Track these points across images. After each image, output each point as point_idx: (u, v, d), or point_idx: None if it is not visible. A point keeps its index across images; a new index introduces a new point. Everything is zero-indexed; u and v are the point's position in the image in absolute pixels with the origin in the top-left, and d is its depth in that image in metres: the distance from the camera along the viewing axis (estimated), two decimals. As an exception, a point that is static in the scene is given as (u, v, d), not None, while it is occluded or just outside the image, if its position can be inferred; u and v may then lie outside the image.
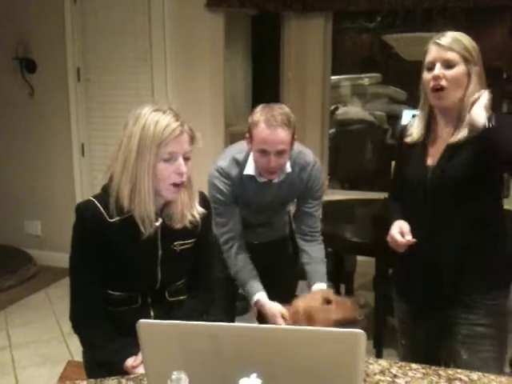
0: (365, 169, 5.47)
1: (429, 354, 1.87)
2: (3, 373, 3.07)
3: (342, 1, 3.94)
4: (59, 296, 3.85)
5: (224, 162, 2.16)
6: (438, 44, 1.69)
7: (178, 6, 3.94)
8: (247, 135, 2.07)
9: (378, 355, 3.10)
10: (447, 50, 1.67)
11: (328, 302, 1.91)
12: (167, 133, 1.51)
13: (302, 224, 2.30)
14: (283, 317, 2.02)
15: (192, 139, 1.59)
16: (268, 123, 1.97)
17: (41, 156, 4.50)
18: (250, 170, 2.14)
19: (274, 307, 2.07)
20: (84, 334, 1.67)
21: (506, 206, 2.32)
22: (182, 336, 1.03)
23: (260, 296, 2.13)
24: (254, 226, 2.34)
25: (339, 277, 3.53)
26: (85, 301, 1.64)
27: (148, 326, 1.04)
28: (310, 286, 2.22)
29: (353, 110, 5.55)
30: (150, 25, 4.04)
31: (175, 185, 1.56)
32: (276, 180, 2.14)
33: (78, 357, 1.81)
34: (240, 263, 2.17)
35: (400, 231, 1.76)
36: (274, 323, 1.99)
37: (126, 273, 1.63)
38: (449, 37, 1.69)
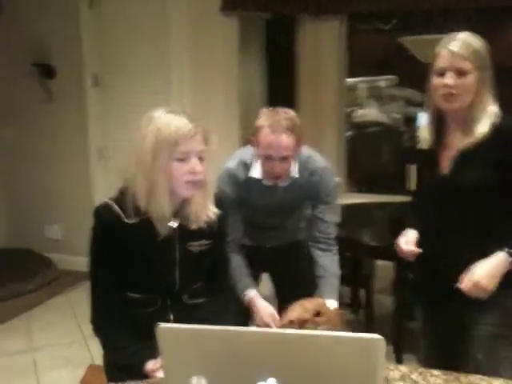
0: (382, 171, 5.44)
1: (448, 355, 1.86)
2: (25, 376, 3.11)
3: (356, 3, 3.93)
4: (80, 299, 3.88)
5: (232, 163, 2.18)
6: (451, 50, 1.65)
7: (193, 10, 3.98)
8: (253, 138, 2.07)
9: (398, 360, 3.08)
10: (460, 58, 1.64)
11: (318, 314, 1.93)
12: (181, 133, 1.53)
13: (314, 230, 2.29)
14: (273, 320, 2.02)
15: (206, 140, 1.60)
16: (272, 128, 1.96)
17: (59, 161, 4.56)
18: (256, 172, 2.14)
19: (267, 308, 2.07)
20: (104, 337, 1.68)
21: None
22: (201, 340, 1.04)
23: (252, 293, 2.13)
24: (267, 229, 2.34)
25: (358, 281, 3.52)
26: (105, 303, 1.66)
27: (167, 330, 1.05)
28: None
29: (369, 113, 5.52)
30: (166, 29, 4.07)
31: (189, 182, 1.58)
32: (281, 184, 2.13)
33: (99, 360, 1.83)
34: (233, 263, 2.14)
35: (406, 241, 1.79)
36: (263, 323, 2.00)
37: (144, 274, 1.64)
38: (461, 41, 1.65)
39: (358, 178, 5.27)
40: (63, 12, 4.28)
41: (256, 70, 4.49)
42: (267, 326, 2.03)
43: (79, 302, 3.86)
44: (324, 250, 2.25)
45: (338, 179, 3.38)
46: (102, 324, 1.68)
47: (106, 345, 1.70)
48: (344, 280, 3.30)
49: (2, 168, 4.77)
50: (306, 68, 4.33)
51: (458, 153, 1.72)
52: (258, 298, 2.13)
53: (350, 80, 5.11)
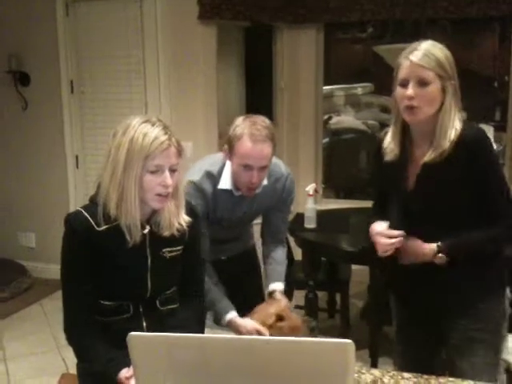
0: (359, 178, 5.50)
1: (424, 360, 1.86)
2: (-2, 386, 3.06)
3: (333, 12, 3.99)
4: (54, 308, 3.83)
5: (197, 175, 2.08)
6: (412, 61, 1.61)
7: (170, 18, 3.97)
8: (225, 147, 2.01)
9: (374, 364, 3.10)
10: (421, 68, 1.61)
11: (281, 318, 1.94)
12: (155, 146, 1.53)
13: (270, 234, 2.32)
14: (260, 333, 1.94)
15: (179, 152, 1.60)
16: (253, 138, 1.91)
17: (35, 168, 4.50)
18: (225, 183, 2.07)
19: (249, 325, 1.97)
20: (78, 345, 1.66)
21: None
22: (172, 348, 1.04)
23: (232, 316, 2.05)
24: (223, 242, 2.30)
25: (334, 286, 3.54)
26: (78, 311, 1.64)
27: (138, 338, 1.05)
28: (267, 285, 2.23)
29: (346, 120, 5.58)
30: (142, 37, 4.06)
31: (160, 195, 1.59)
32: (254, 194, 2.09)
33: (74, 369, 1.81)
34: (207, 284, 2.01)
35: (383, 233, 1.75)
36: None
37: (116, 281, 1.64)
38: (422, 51, 1.62)
39: (335, 184, 5.32)
40: (39, 19, 4.25)
41: (234, 78, 4.51)
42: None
43: (54, 310, 3.81)
44: (275, 246, 2.32)
45: (313, 185, 3.45)
46: (76, 332, 1.65)
47: (79, 353, 1.68)
48: (320, 285, 3.38)
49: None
50: (283, 76, 4.37)
51: (422, 167, 1.71)
52: (239, 319, 2.04)
53: (327, 87, 5.16)
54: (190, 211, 1.75)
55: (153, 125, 1.56)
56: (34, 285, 4.38)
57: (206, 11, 3.86)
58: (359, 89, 6.03)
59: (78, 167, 4.42)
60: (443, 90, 1.64)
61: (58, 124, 4.38)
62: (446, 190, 1.68)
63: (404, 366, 1.89)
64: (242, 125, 1.96)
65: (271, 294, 2.21)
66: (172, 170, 1.58)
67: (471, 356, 1.74)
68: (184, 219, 1.70)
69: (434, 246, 1.70)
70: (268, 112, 4.47)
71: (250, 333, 1.96)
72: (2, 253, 4.58)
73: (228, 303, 2.09)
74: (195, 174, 2.10)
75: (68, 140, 4.40)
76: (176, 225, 1.67)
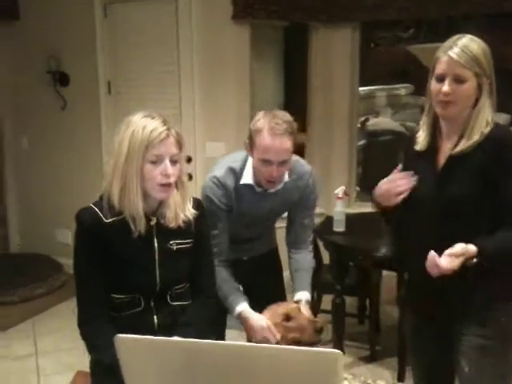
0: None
1: (440, 371, 1.84)
2: (27, 380, 3.13)
3: (367, 11, 3.90)
4: None
5: (219, 171, 2.11)
6: (450, 57, 1.63)
7: (204, 18, 3.98)
8: (247, 142, 2.02)
9: (401, 371, 3.02)
10: (459, 66, 1.62)
11: (288, 318, 1.90)
12: (154, 136, 1.58)
13: (294, 235, 2.27)
14: (271, 330, 1.92)
15: (179, 144, 1.65)
16: (272, 132, 1.92)
17: (72, 166, 4.60)
18: (247, 179, 2.09)
19: (261, 320, 1.95)
20: (90, 338, 1.69)
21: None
22: (160, 352, 1.02)
23: (243, 307, 2.04)
24: (244, 242, 2.29)
25: (364, 291, 3.47)
26: (90, 305, 1.68)
27: (126, 341, 1.03)
28: (293, 293, 2.18)
29: (383, 121, 5.47)
30: (177, 37, 4.08)
31: (162, 185, 1.62)
32: (272, 190, 2.09)
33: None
34: (223, 277, 2.07)
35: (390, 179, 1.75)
36: (262, 337, 1.92)
37: (126, 273, 1.66)
38: (461, 48, 1.62)
39: (371, 187, 5.21)
40: (78, 20, 4.34)
41: (272, 77, 4.48)
42: (264, 341, 1.91)
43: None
44: (300, 249, 2.26)
45: (342, 188, 3.38)
46: (88, 326, 1.69)
47: (91, 346, 1.71)
48: (349, 289, 3.31)
49: (16, 173, 4.85)
50: (317, 75, 4.31)
51: (447, 159, 1.71)
52: (250, 312, 2.03)
53: (368, 88, 5.08)
54: (197, 204, 1.78)
55: (152, 118, 1.62)
56: (69, 282, 4.45)
57: (240, 11, 3.85)
58: (402, 90, 5.92)
59: (113, 167, 4.48)
60: (479, 88, 1.65)
61: (96, 124, 4.45)
62: (465, 182, 1.66)
63: (419, 372, 1.91)
64: (262, 119, 1.97)
65: (297, 303, 2.14)
66: (173, 161, 1.63)
67: (478, 362, 1.70)
68: (190, 211, 1.73)
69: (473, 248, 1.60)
70: (303, 111, 4.43)
71: (261, 328, 1.94)
72: (40, 249, 4.70)
73: (239, 295, 2.09)
74: (218, 169, 2.12)
75: (105, 139, 4.47)
76: (182, 216, 1.70)
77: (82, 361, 3.20)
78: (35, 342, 3.55)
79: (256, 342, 1.89)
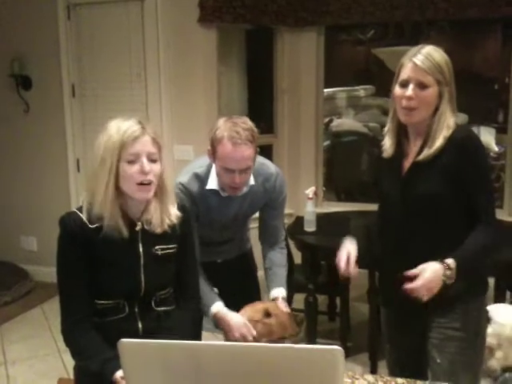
0: (360, 180, 5.49)
1: (413, 359, 1.89)
2: (-2, 390, 3.06)
3: (333, 15, 3.98)
4: (55, 312, 3.77)
5: (184, 177, 2.10)
6: (415, 63, 1.69)
7: (171, 21, 3.98)
8: (209, 149, 2.01)
9: (373, 367, 3.10)
10: (422, 72, 1.68)
11: (268, 314, 1.95)
12: (127, 134, 1.58)
13: (266, 236, 2.32)
14: (248, 327, 1.95)
15: (156, 142, 1.64)
16: (232, 140, 1.90)
17: (36, 172, 4.52)
18: (212, 184, 2.09)
19: (238, 317, 1.98)
20: (75, 345, 1.67)
21: (500, 217, 2.33)
22: (164, 355, 1.03)
23: (219, 307, 2.05)
24: (217, 245, 2.31)
25: (334, 289, 3.53)
26: (74, 311, 1.66)
27: (130, 345, 1.04)
28: (269, 290, 2.21)
29: (347, 122, 5.58)
30: (143, 40, 4.07)
31: (140, 184, 1.61)
32: (238, 193, 2.09)
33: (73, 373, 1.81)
34: None
35: (347, 257, 1.82)
36: (240, 334, 1.94)
37: (110, 278, 1.66)
38: (425, 55, 1.69)
39: (336, 187, 5.30)
40: (41, 23, 4.26)
41: (236, 80, 4.51)
42: (242, 338, 1.94)
43: (55, 314, 3.75)
44: (273, 249, 2.31)
45: (312, 188, 3.44)
46: (73, 332, 1.66)
47: (76, 353, 1.69)
48: (320, 288, 3.37)
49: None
50: (284, 78, 4.37)
51: (411, 165, 1.78)
52: (226, 311, 2.04)
53: (329, 90, 5.16)
54: (181, 207, 1.78)
55: (127, 120, 1.62)
56: (36, 288, 4.39)
57: (207, 14, 3.87)
58: (361, 91, 6.03)
59: (79, 171, 4.42)
60: (440, 95, 1.71)
61: (60, 127, 4.39)
62: (431, 184, 1.72)
63: (395, 363, 1.97)
64: (222, 127, 1.95)
65: (274, 300, 2.17)
66: (151, 160, 1.62)
67: (448, 352, 1.76)
68: (174, 214, 1.73)
69: (440, 266, 1.65)
70: (269, 114, 4.49)
71: (234, 325, 1.97)
72: (4, 256, 4.59)
73: (214, 296, 2.09)
74: (183, 175, 2.12)
75: (69, 143, 4.41)
76: (167, 221, 1.70)
77: (56, 368, 3.19)
78: (3, 351, 3.48)
79: (234, 341, 1.92)
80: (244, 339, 1.92)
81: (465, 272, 1.66)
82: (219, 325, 2.06)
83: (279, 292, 2.18)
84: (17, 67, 4.33)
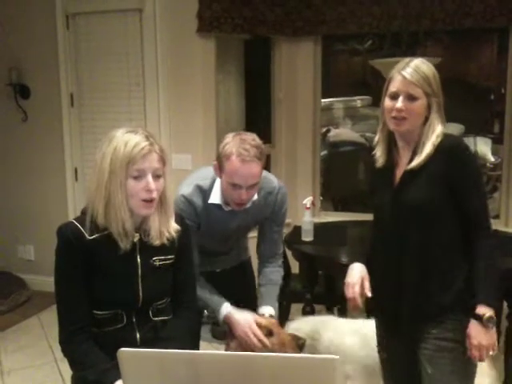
0: (357, 190, 5.51)
1: (407, 368, 1.90)
2: (-6, 400, 3.05)
3: (330, 25, 4.01)
4: (52, 321, 3.75)
5: (187, 189, 2.10)
6: (404, 76, 1.73)
7: (169, 31, 4.00)
8: (215, 163, 2.02)
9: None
10: (412, 85, 1.72)
11: (270, 333, 1.94)
12: (136, 151, 1.58)
13: (264, 250, 2.31)
14: (258, 325, 1.97)
15: (162, 159, 1.64)
16: (241, 157, 1.91)
17: (34, 181, 4.51)
18: (215, 198, 2.09)
19: (246, 318, 1.99)
20: (73, 356, 1.67)
21: (497, 227, 2.35)
22: (164, 364, 1.04)
23: (227, 308, 2.07)
24: (216, 255, 2.31)
25: (332, 299, 3.53)
26: (72, 322, 1.66)
27: (129, 354, 1.05)
28: (258, 306, 2.21)
29: (344, 132, 5.60)
30: (142, 50, 4.09)
31: (145, 201, 1.61)
32: (243, 208, 2.09)
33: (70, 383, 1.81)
34: (200, 284, 2.05)
35: (361, 282, 1.86)
36: (244, 334, 1.95)
37: (108, 289, 1.66)
38: (413, 68, 1.74)
39: (333, 197, 5.32)
40: (40, 32, 4.28)
41: (234, 90, 4.53)
42: (248, 336, 1.96)
43: (52, 323, 3.74)
44: (271, 264, 2.30)
45: (309, 198, 3.44)
46: (71, 342, 1.66)
47: (74, 363, 1.69)
48: (318, 298, 3.37)
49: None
50: (281, 88, 4.39)
51: (403, 175, 1.81)
52: (234, 310, 2.06)
53: (326, 100, 5.19)
54: (180, 220, 1.78)
55: (135, 133, 1.62)
56: (33, 298, 4.38)
57: (205, 24, 3.89)
58: (358, 101, 6.07)
59: (77, 180, 4.43)
60: (428, 106, 1.76)
61: (58, 137, 4.39)
62: (422, 192, 1.75)
63: (389, 371, 1.99)
64: (231, 142, 1.95)
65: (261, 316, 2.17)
66: (156, 176, 1.62)
67: (440, 364, 1.77)
68: (173, 228, 1.73)
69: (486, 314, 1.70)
70: (266, 124, 4.51)
71: (248, 324, 1.98)
72: (1, 265, 4.58)
73: (220, 298, 2.10)
74: (186, 187, 2.12)
75: (67, 152, 4.42)
76: (166, 234, 1.70)
77: (53, 377, 3.18)
78: (1, 360, 3.46)
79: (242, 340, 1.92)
80: (250, 346, 1.93)
81: (496, 300, 1.72)
82: (228, 324, 2.06)
83: (268, 310, 2.16)
84: (15, 76, 4.34)
